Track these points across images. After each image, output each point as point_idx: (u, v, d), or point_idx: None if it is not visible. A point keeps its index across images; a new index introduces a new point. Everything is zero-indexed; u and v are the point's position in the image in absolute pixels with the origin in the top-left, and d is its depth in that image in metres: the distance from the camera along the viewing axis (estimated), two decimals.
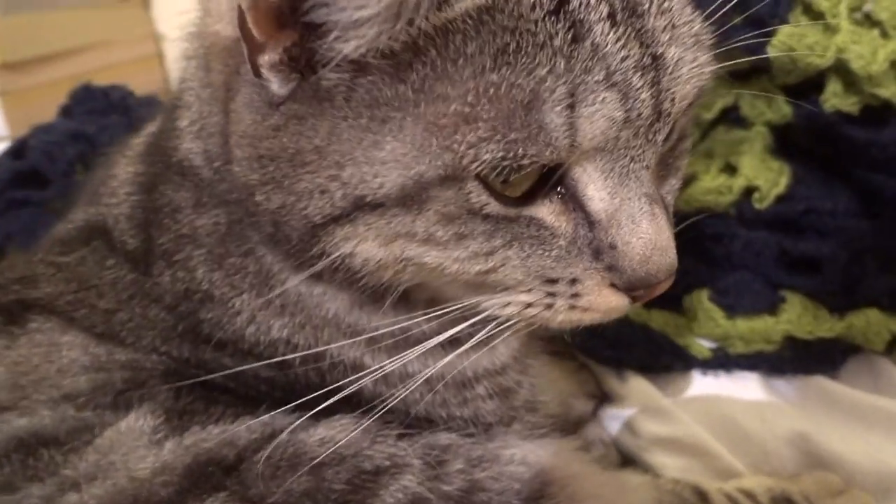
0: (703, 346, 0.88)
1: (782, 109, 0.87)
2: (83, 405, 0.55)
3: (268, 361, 0.57)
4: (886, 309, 0.87)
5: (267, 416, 0.53)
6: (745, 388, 0.87)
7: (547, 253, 0.49)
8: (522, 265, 0.49)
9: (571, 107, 0.44)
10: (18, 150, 1.05)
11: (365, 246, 0.49)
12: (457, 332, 0.53)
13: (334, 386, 0.54)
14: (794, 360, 0.86)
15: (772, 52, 0.81)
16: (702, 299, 0.87)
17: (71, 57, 1.95)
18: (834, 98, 0.82)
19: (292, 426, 0.52)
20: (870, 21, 0.83)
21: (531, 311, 0.51)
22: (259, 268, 0.57)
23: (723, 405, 0.85)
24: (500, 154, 0.44)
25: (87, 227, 0.64)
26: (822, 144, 0.87)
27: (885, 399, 0.84)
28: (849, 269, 0.85)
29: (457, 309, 0.53)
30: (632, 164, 0.47)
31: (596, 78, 0.44)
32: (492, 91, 0.44)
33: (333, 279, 0.55)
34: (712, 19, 0.83)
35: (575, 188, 0.48)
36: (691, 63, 0.48)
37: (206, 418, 0.54)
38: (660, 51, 0.47)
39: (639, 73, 0.45)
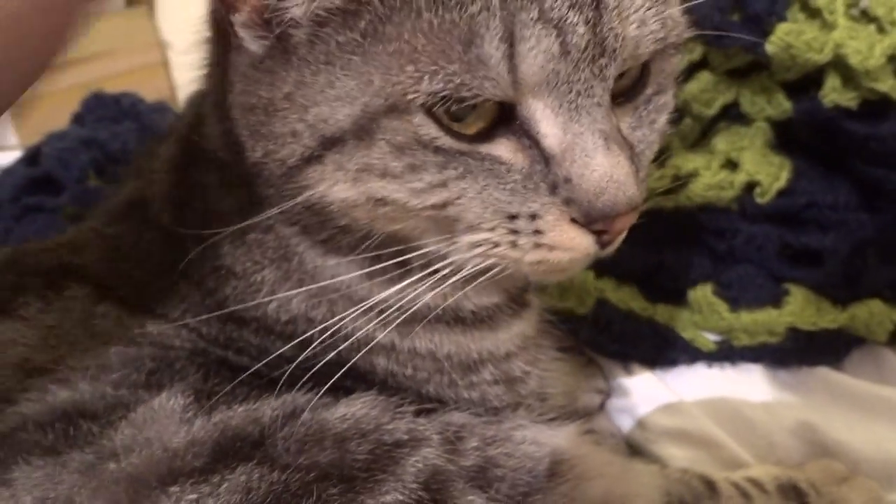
0: (707, 339, 0.89)
1: (782, 105, 0.88)
2: (118, 382, 0.57)
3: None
4: (888, 300, 0.88)
5: (288, 394, 0.55)
6: (751, 380, 0.88)
7: (503, 186, 0.51)
8: (479, 198, 0.51)
9: (509, 42, 0.47)
10: (32, 157, 1.07)
11: (336, 187, 0.53)
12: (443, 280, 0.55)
13: (349, 363, 0.56)
14: (798, 351, 0.88)
15: (770, 49, 0.83)
16: (706, 293, 0.88)
17: (77, 66, 1.96)
18: (833, 93, 0.84)
19: (312, 403, 0.54)
20: (866, 16, 0.85)
21: (498, 251, 0.53)
22: (279, 243, 0.60)
23: (728, 397, 0.86)
24: (440, 86, 0.47)
25: (130, 201, 0.67)
26: (823, 139, 0.88)
27: (889, 388, 0.86)
28: (851, 261, 0.87)
29: (428, 252, 0.55)
30: (580, 100, 0.49)
31: (531, 15, 0.47)
32: (427, 28, 0.47)
33: (340, 244, 0.58)
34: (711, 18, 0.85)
35: (528, 125, 0.50)
36: (639, 8, 0.50)
37: (231, 399, 0.56)
38: None
39: (574, 9, 0.47)
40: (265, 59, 0.53)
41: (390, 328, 0.58)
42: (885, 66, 0.81)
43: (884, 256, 0.88)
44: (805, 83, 0.87)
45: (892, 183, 0.88)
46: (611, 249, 0.53)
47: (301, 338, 0.57)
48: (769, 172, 0.87)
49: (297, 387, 0.55)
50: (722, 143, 0.90)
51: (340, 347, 0.56)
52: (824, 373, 0.88)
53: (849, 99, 0.84)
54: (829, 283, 0.87)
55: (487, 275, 0.55)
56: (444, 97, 0.48)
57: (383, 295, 0.57)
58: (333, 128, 0.51)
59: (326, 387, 0.55)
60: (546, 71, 0.48)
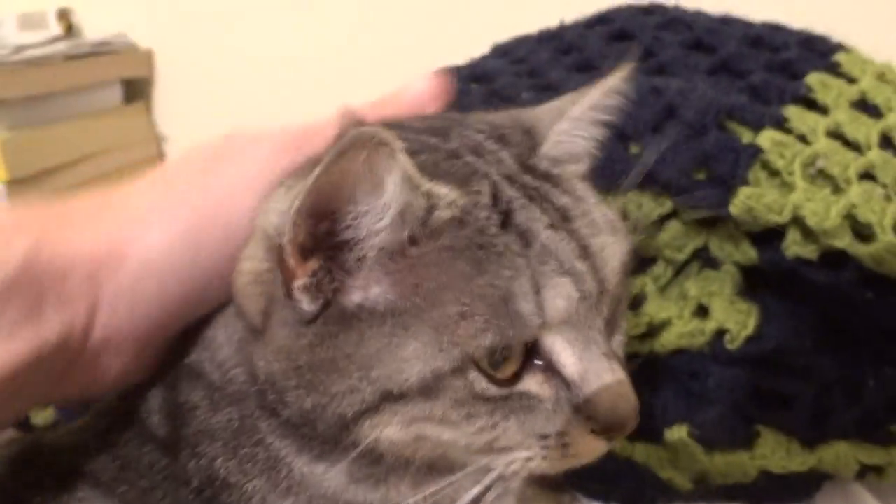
0: (684, 479, 0.93)
1: (748, 253, 0.93)
2: None
3: None
4: (853, 439, 0.92)
5: None
6: None
7: (538, 416, 0.59)
8: (521, 430, 0.59)
9: (537, 293, 0.56)
10: None
11: (388, 430, 0.58)
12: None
13: None
14: (770, 491, 0.91)
15: (733, 211, 0.88)
16: (682, 434, 0.92)
17: (75, 166, 2.02)
18: (794, 246, 0.89)
19: None
20: (822, 175, 0.91)
21: (531, 465, 0.61)
22: (268, 455, 0.65)
23: None
24: (497, 339, 0.55)
25: (126, 408, 0.71)
26: (788, 283, 0.93)
27: None
28: (817, 402, 0.91)
29: (468, 473, 0.61)
30: (589, 332, 0.59)
31: (551, 268, 0.56)
32: (478, 292, 0.55)
33: (339, 458, 0.62)
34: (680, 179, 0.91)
35: (550, 359, 0.59)
36: (611, 245, 0.61)
37: None
38: (587, 242, 0.59)
39: (580, 261, 0.58)
40: (319, 318, 0.58)
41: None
42: (841, 224, 0.86)
43: (848, 396, 0.93)
44: (769, 232, 0.93)
45: (853, 324, 0.93)
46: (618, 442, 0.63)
47: None
48: (737, 320, 0.91)
49: None
50: (693, 288, 0.95)
51: None
52: None
53: (809, 251, 0.89)
54: (797, 425, 0.91)
55: (516, 479, 0.62)
56: (495, 349, 0.55)
57: (370, 497, 0.63)
58: (401, 386, 0.56)
59: None
60: (568, 312, 0.57)
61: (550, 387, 0.59)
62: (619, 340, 0.66)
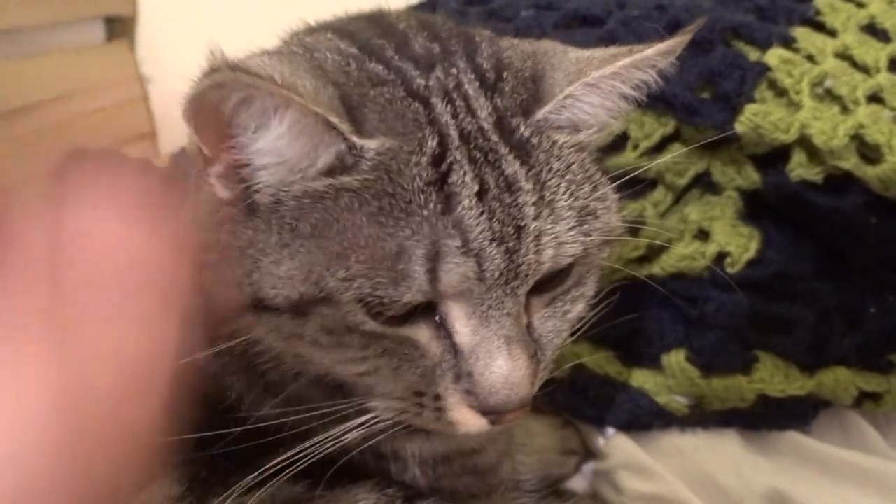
0: (680, 403, 0.91)
1: (751, 176, 0.91)
2: None
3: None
4: (853, 366, 0.91)
5: (274, 486, 0.58)
6: (722, 444, 0.91)
7: (414, 368, 0.56)
8: (392, 375, 0.57)
9: (433, 263, 0.52)
10: None
11: (268, 337, 0.58)
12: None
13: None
14: (767, 416, 0.91)
15: (739, 129, 0.86)
16: (679, 359, 0.91)
17: (53, 104, 1.96)
18: (799, 168, 0.87)
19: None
20: (830, 96, 0.88)
21: (405, 416, 0.59)
22: (242, 350, 0.63)
23: (701, 462, 0.89)
24: (368, 290, 0.52)
25: None
26: (791, 208, 0.92)
27: (855, 453, 0.89)
28: (817, 328, 0.90)
29: (352, 405, 0.60)
30: (490, 311, 0.54)
31: (455, 244, 0.52)
32: (363, 241, 0.52)
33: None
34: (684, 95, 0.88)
35: (445, 320, 0.55)
36: (559, 234, 0.55)
37: (222, 489, 0.58)
38: (523, 223, 0.53)
39: (495, 244, 0.52)
40: (230, 205, 0.56)
41: (355, 435, 0.60)
42: (848, 145, 0.84)
43: (848, 323, 0.92)
44: (773, 156, 0.90)
45: (855, 251, 0.91)
46: (504, 427, 0.60)
47: (274, 437, 0.60)
48: (739, 243, 0.90)
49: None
50: (694, 212, 0.93)
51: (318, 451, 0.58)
52: (793, 437, 0.91)
53: (814, 174, 0.87)
54: (796, 350, 0.90)
55: (399, 425, 0.60)
56: (369, 299, 0.52)
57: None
58: (271, 299, 0.54)
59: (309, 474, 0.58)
60: (462, 287, 0.53)
61: (438, 345, 0.56)
62: (555, 327, 0.60)
